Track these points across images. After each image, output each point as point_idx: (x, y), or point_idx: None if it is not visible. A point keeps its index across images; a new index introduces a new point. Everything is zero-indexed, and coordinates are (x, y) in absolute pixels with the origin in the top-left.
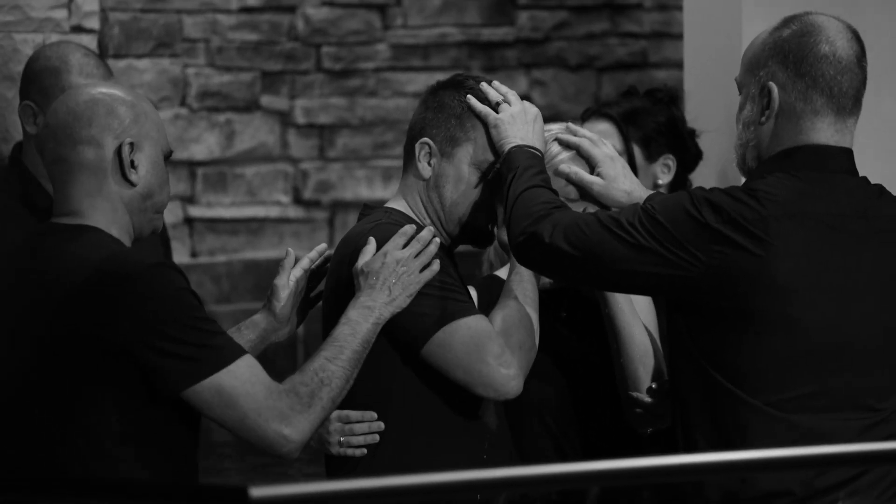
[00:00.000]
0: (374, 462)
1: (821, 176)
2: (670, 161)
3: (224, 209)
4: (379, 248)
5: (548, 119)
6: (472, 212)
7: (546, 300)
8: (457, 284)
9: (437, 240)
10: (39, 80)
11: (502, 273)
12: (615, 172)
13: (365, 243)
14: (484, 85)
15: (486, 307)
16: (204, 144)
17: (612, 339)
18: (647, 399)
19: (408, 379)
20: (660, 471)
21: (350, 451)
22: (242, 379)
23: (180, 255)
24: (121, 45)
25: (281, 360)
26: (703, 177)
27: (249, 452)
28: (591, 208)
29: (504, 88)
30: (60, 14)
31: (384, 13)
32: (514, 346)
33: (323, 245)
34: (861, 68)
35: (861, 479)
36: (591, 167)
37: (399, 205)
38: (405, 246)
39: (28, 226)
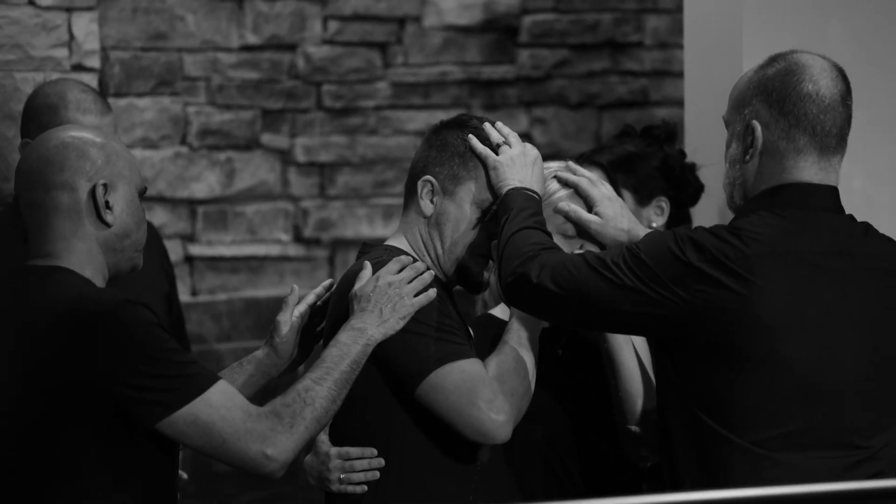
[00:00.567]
0: (376, 499)
1: (805, 214)
2: (664, 203)
3: (224, 247)
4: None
5: (549, 157)
6: (469, 254)
7: (543, 338)
8: (455, 326)
9: (432, 271)
10: (38, 118)
11: (497, 312)
12: (613, 212)
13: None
14: (487, 125)
15: (481, 346)
16: (204, 183)
17: (611, 374)
18: (644, 431)
19: (408, 415)
20: None
21: (351, 488)
22: (217, 405)
23: (181, 294)
24: (121, 83)
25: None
26: (705, 211)
27: (250, 485)
28: (589, 246)
29: (506, 130)
30: (61, 53)
31: (385, 51)
32: (507, 393)
33: (329, 280)
34: (846, 107)
35: None
36: (589, 207)
37: (399, 242)
38: (399, 272)
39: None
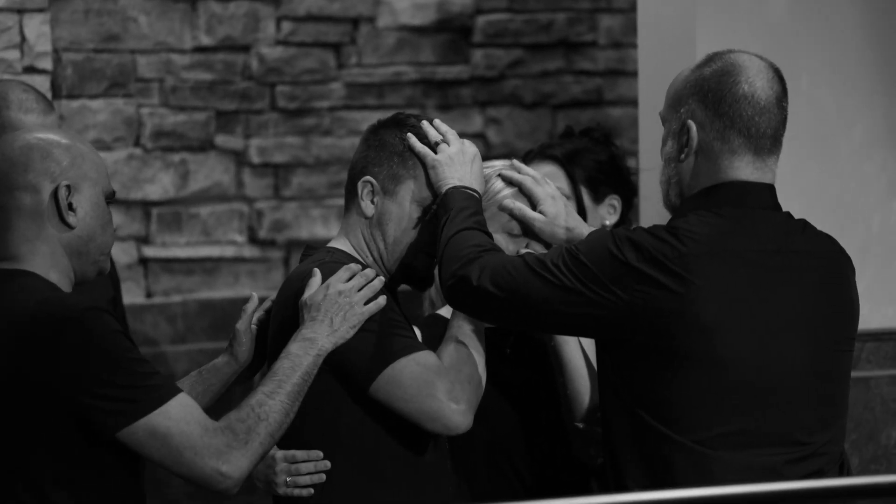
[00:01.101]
0: (322, 501)
1: (741, 212)
2: (615, 201)
3: (179, 249)
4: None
5: (503, 157)
6: (413, 252)
7: (491, 337)
8: (402, 322)
9: (382, 278)
10: None
11: (444, 312)
12: (556, 210)
13: (307, 282)
14: (424, 124)
15: (430, 346)
16: (158, 184)
17: (559, 373)
18: (593, 429)
19: (355, 417)
20: None
21: (297, 492)
22: (176, 418)
23: (135, 296)
24: (74, 85)
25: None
26: (653, 214)
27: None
28: (535, 245)
29: (444, 128)
30: (13, 55)
31: (339, 52)
32: (464, 381)
33: None
34: (781, 108)
35: None
36: (533, 205)
37: (342, 244)
38: (349, 280)
39: None
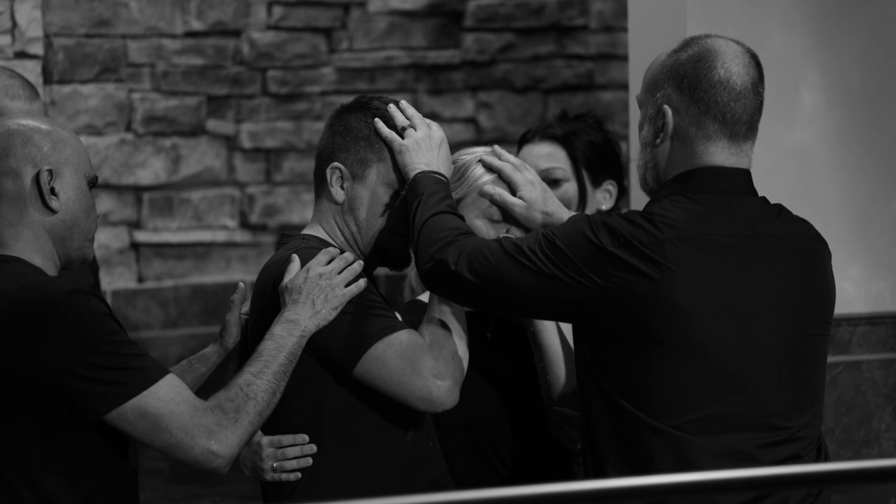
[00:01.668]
0: (311, 485)
1: (717, 197)
2: (611, 186)
3: (171, 234)
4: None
5: (495, 141)
6: (387, 233)
7: (471, 321)
8: (382, 303)
9: (361, 262)
10: None
11: (424, 298)
12: (535, 196)
13: (286, 267)
14: (391, 107)
15: None
16: (150, 169)
17: (538, 357)
18: (572, 413)
19: (340, 399)
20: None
21: (285, 477)
22: (166, 399)
23: (126, 281)
24: (65, 70)
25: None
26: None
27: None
28: (515, 231)
29: (411, 111)
30: (4, 40)
31: (330, 37)
32: (447, 357)
33: None
34: (757, 94)
35: (773, 496)
36: (513, 191)
37: (315, 231)
38: (329, 264)
39: None
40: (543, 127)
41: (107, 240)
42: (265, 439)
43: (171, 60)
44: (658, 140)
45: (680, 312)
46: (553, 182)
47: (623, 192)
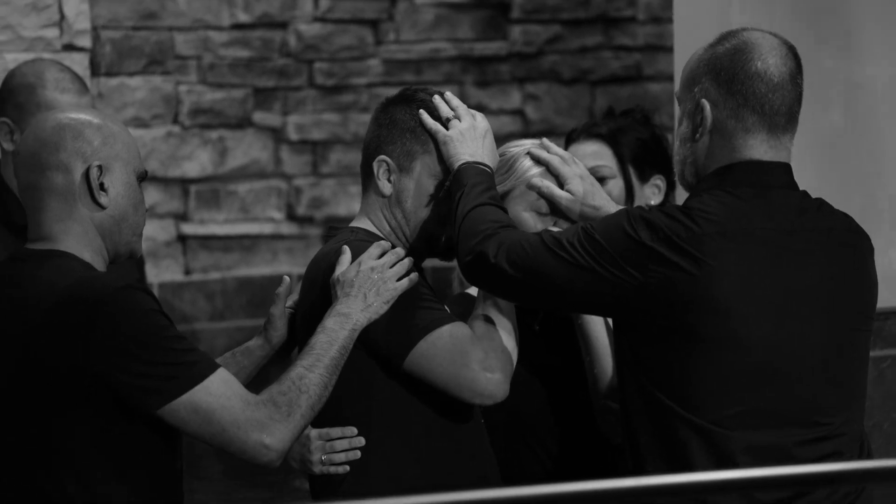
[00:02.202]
0: (359, 478)
1: (758, 191)
2: (660, 181)
3: (217, 226)
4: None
5: (542, 133)
6: (435, 224)
7: (519, 313)
8: (432, 296)
9: (411, 258)
10: (14, 97)
11: (473, 291)
12: (584, 189)
13: (337, 260)
14: (436, 99)
15: None
16: (196, 161)
17: (585, 351)
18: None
19: (391, 393)
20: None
21: (332, 469)
22: (217, 394)
23: (174, 273)
24: (112, 63)
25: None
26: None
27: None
28: (562, 224)
29: (455, 102)
30: (52, 33)
31: (376, 28)
32: (497, 350)
33: None
34: (795, 85)
35: (813, 494)
36: (560, 185)
37: (364, 224)
38: (380, 257)
39: (6, 243)
40: (589, 125)
41: (153, 232)
42: (314, 432)
43: (218, 53)
44: (697, 135)
45: (719, 307)
46: (599, 180)
47: (672, 187)
